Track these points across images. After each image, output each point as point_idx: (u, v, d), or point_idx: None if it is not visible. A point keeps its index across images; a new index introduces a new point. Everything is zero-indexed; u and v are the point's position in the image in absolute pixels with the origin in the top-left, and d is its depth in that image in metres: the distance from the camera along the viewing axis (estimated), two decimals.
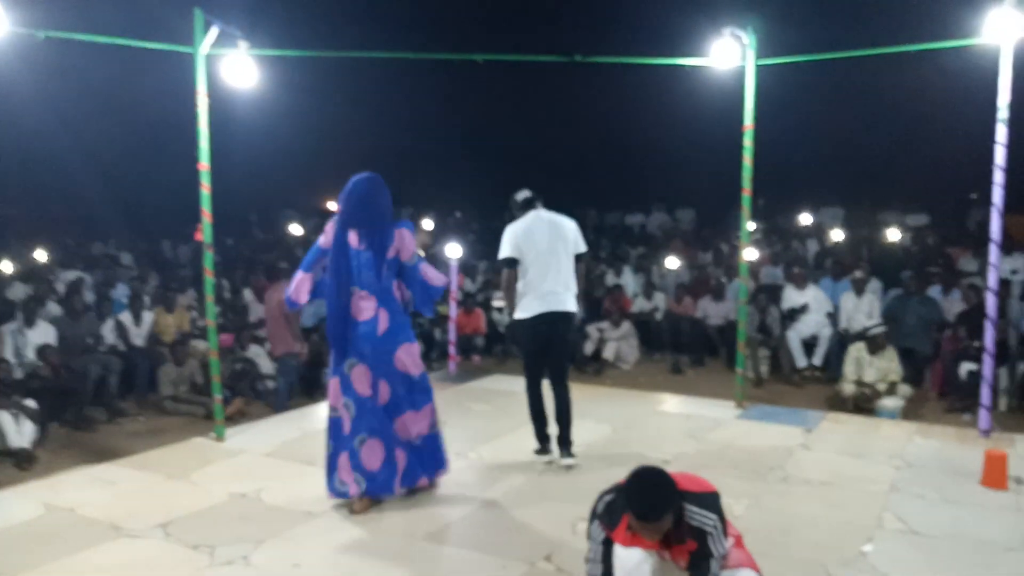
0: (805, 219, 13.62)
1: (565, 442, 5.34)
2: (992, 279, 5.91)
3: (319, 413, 6.99)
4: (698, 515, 2.75)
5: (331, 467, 4.68)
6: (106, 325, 8.48)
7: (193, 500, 4.74)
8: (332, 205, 20.47)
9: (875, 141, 15.20)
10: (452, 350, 8.72)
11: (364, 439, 4.58)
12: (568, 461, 5.30)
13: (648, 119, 16.93)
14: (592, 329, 10.16)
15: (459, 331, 9.57)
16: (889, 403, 7.47)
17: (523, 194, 5.47)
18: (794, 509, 4.52)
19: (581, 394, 5.77)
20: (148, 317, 8.71)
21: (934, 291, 9.50)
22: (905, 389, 7.72)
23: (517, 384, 8.13)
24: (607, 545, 2.87)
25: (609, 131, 17.48)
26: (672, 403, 7.16)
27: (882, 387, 7.64)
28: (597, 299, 11.12)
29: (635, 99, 16.74)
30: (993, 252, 5.89)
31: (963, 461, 5.33)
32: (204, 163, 5.75)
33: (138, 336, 8.61)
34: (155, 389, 8.28)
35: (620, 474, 5.06)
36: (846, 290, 10.00)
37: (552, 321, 5.26)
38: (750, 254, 11.50)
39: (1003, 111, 5.71)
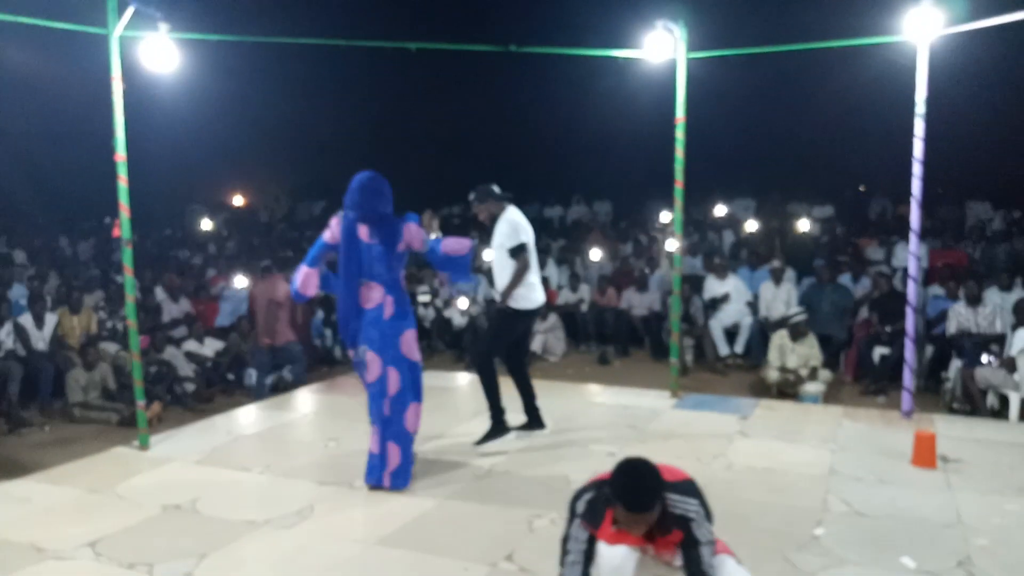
0: (720, 210, 13.97)
1: (538, 414, 5.72)
2: (912, 267, 6.16)
3: (245, 417, 6.71)
4: (680, 503, 2.72)
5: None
6: (2, 329, 7.88)
7: (122, 515, 4.43)
8: (237, 200, 19.77)
9: (785, 135, 15.74)
10: None
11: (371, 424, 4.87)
12: (547, 429, 5.76)
13: (566, 112, 17.03)
14: None
15: None
16: (811, 388, 7.74)
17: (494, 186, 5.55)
18: (742, 496, 4.59)
19: (514, 388, 5.72)
20: (51, 319, 8.15)
21: (844, 279, 9.90)
22: (825, 374, 8.01)
23: (447, 380, 8.08)
24: (590, 544, 2.81)
25: (526, 123, 17.48)
26: (607, 394, 7.19)
27: (804, 372, 7.91)
28: None
29: (553, 92, 16.83)
30: (913, 241, 6.14)
31: (891, 442, 5.54)
32: (120, 153, 5.39)
33: (40, 340, 8.04)
34: (61, 396, 7.78)
35: (566, 468, 5.09)
36: (764, 279, 10.30)
37: (538, 312, 5.61)
38: (673, 245, 11.76)
39: (920, 106, 5.95)
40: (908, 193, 13.93)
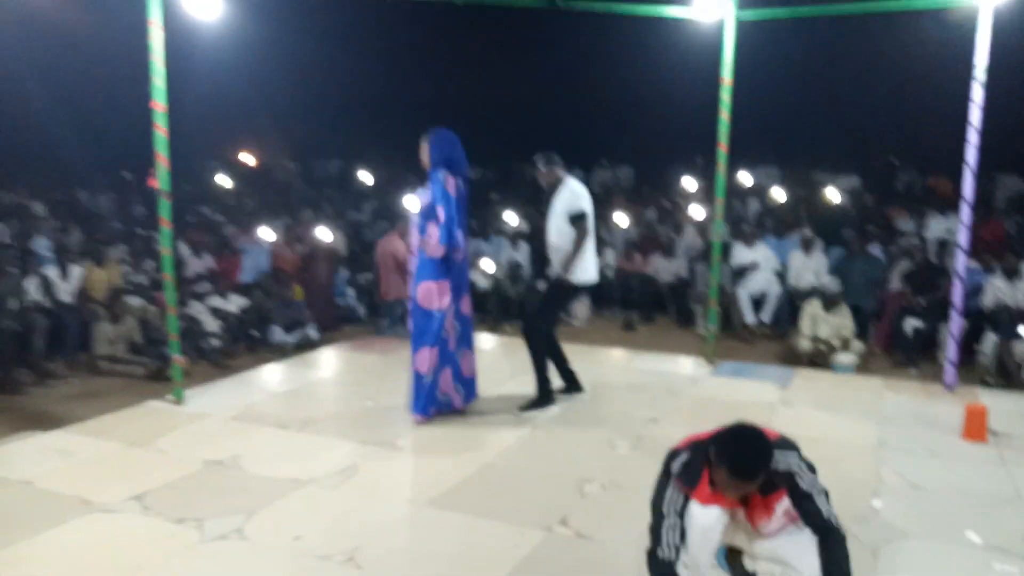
0: (744, 178, 13.75)
1: (574, 376, 5.79)
2: (963, 238, 6.02)
3: (274, 374, 6.65)
4: (781, 458, 2.65)
5: (430, 387, 5.19)
6: (29, 281, 7.78)
7: (164, 469, 4.37)
8: (247, 158, 19.55)
9: (811, 102, 15.44)
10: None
11: (464, 352, 5.39)
12: (586, 393, 5.84)
13: (588, 76, 16.70)
14: (544, 286, 10.02)
15: None
16: (844, 359, 7.64)
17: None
18: None
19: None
20: (76, 272, 8.05)
21: (873, 249, 9.76)
22: (858, 345, 7.90)
23: (482, 342, 8.05)
24: (685, 504, 2.74)
25: (548, 87, 17.15)
26: (643, 360, 7.11)
27: (836, 343, 7.81)
28: (547, 255, 10.96)
29: (575, 56, 16.48)
30: (965, 211, 6.00)
31: (937, 415, 5.47)
32: (159, 102, 5.24)
33: (66, 292, 7.95)
34: (86, 348, 7.72)
35: (609, 434, 5.02)
36: (790, 248, 10.17)
37: (593, 286, 5.71)
38: (698, 211, 11.60)
39: (980, 72, 5.76)
40: (938, 164, 13.66)
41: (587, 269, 5.43)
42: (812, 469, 2.73)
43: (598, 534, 3.67)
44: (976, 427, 4.95)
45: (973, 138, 5.84)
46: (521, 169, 16.93)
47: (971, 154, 5.87)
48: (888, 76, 14.52)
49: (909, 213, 10.96)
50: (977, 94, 5.78)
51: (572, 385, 5.75)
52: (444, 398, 5.31)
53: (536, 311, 5.72)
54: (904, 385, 6.34)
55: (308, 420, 5.25)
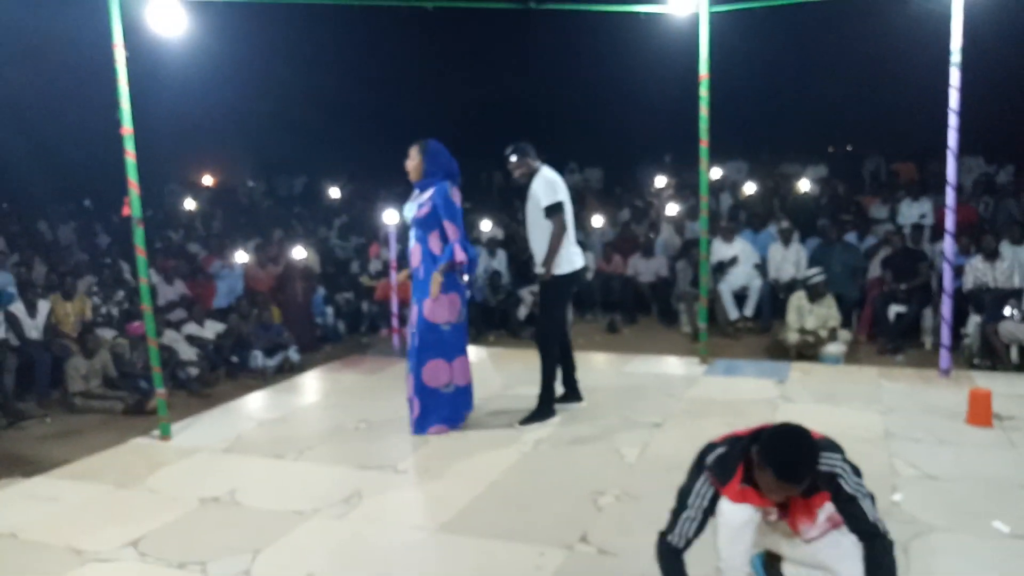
0: (715, 173, 13.80)
1: (577, 387, 5.68)
2: (949, 222, 6.02)
3: (260, 402, 6.44)
4: (826, 459, 2.56)
5: (452, 399, 5.20)
6: None
7: (159, 511, 4.16)
8: (207, 179, 19.17)
9: (771, 94, 15.58)
10: (395, 322, 8.24)
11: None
12: (584, 403, 5.67)
13: (554, 78, 16.68)
14: (525, 293, 9.91)
15: (384, 299, 9.17)
16: (832, 349, 7.63)
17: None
18: None
19: (531, 360, 5.55)
20: (43, 306, 7.74)
21: (850, 238, 9.80)
22: (845, 334, 7.91)
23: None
24: (712, 502, 2.65)
25: (513, 92, 17.09)
26: (635, 363, 7.01)
27: (823, 333, 7.80)
28: (525, 262, 10.86)
29: (538, 60, 16.45)
30: (949, 195, 6.00)
31: (937, 401, 5.45)
32: (127, 127, 5.03)
33: (33, 328, 7.65)
34: (57, 386, 7.43)
35: (615, 442, 4.90)
36: (768, 241, 10.18)
37: (583, 273, 5.55)
38: (673, 209, 11.58)
39: (955, 55, 5.77)
40: (901, 151, 13.76)
41: (571, 259, 5.23)
42: (857, 471, 2.64)
43: (621, 549, 3.55)
44: (981, 412, 4.93)
45: (953, 121, 5.85)
46: (489, 176, 16.85)
47: (952, 138, 5.88)
48: (852, 65, 14.71)
49: (882, 200, 11.04)
50: (954, 77, 5.79)
51: (572, 395, 5.62)
52: (467, 409, 5.37)
53: (540, 318, 5.56)
54: (898, 372, 6.33)
55: (302, 448, 5.06)
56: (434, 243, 5.06)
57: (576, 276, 5.35)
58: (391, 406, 5.86)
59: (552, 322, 5.39)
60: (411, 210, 5.15)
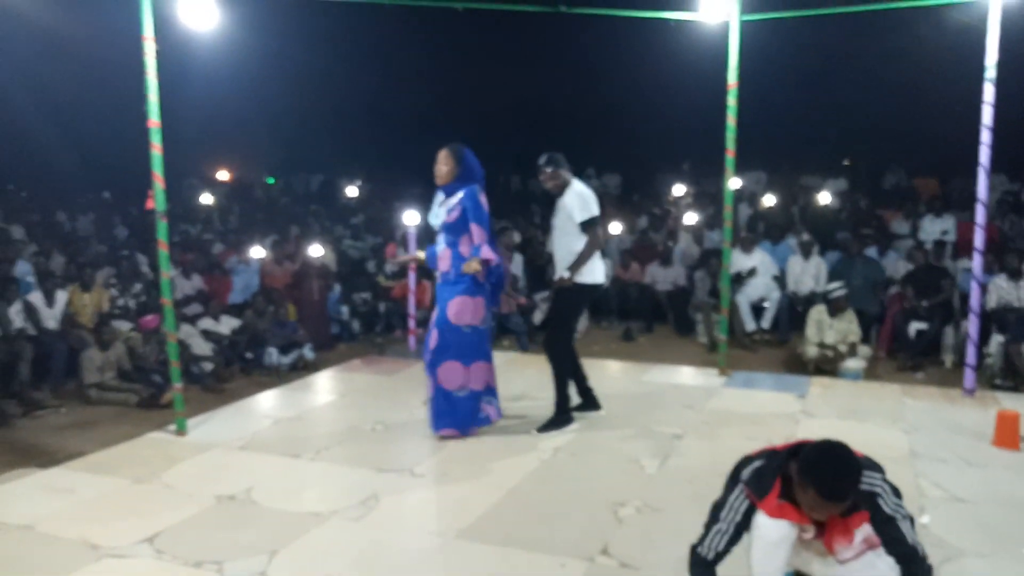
0: (734, 183, 13.70)
1: (593, 394, 5.61)
2: (979, 239, 5.93)
3: (276, 400, 6.41)
4: (867, 478, 2.50)
5: (469, 404, 5.17)
6: (12, 307, 7.48)
7: (175, 507, 4.13)
8: (224, 174, 19.18)
9: (795, 106, 15.46)
10: (411, 323, 8.20)
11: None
12: (603, 411, 5.61)
13: (574, 82, 16.61)
14: (540, 299, 9.87)
15: (401, 298, 9.15)
16: (852, 364, 7.55)
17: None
18: None
19: (546, 365, 5.48)
20: (61, 297, 7.76)
21: (870, 252, 9.71)
22: (864, 350, 7.83)
23: None
24: (746, 516, 2.59)
25: (533, 92, 17.03)
26: (654, 373, 6.95)
27: (843, 348, 7.71)
28: (540, 267, 10.82)
29: (560, 61, 16.38)
30: (980, 212, 5.90)
31: (962, 421, 5.36)
32: (154, 119, 5.01)
33: (51, 318, 7.66)
34: (72, 376, 7.44)
35: (634, 451, 4.83)
36: (786, 253, 10.10)
37: (602, 287, 5.47)
38: (691, 218, 11.50)
39: (991, 70, 5.69)
40: (923, 165, 13.56)
41: (594, 271, 5.25)
42: (896, 492, 2.58)
43: (643, 563, 3.49)
44: (1009, 434, 4.84)
45: (986, 138, 5.76)
46: (506, 179, 16.81)
47: (984, 154, 5.78)
48: (877, 78, 14.58)
49: (904, 215, 10.94)
50: (988, 93, 5.71)
51: (589, 403, 5.57)
52: (483, 415, 5.30)
53: (552, 324, 5.50)
54: (922, 391, 6.24)
55: (319, 448, 5.03)
56: (464, 247, 5.06)
57: (595, 289, 5.35)
58: (407, 408, 5.83)
59: (563, 331, 5.38)
60: (439, 215, 5.14)
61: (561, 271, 5.21)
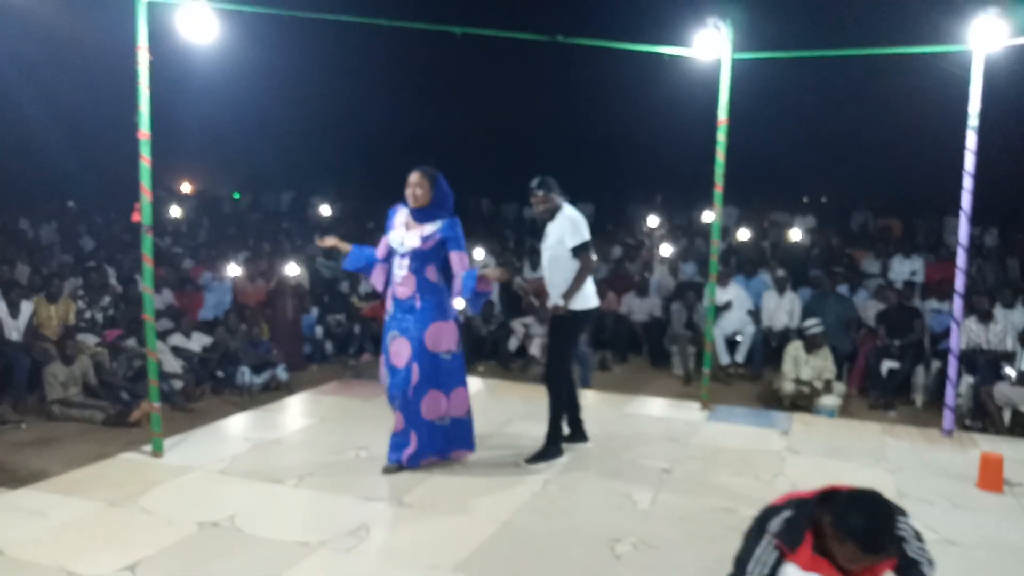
0: (708, 217, 13.87)
1: (582, 426, 5.52)
2: (959, 283, 6.04)
3: (253, 421, 6.23)
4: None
5: (449, 431, 5.07)
6: None
7: (155, 533, 3.96)
8: (185, 187, 18.87)
9: (763, 142, 15.74)
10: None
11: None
12: (589, 444, 5.53)
13: (548, 110, 16.71)
14: (517, 325, 9.82)
15: (374, 317, 9.03)
16: (828, 401, 7.62)
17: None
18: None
19: (530, 394, 5.44)
20: (26, 308, 7.49)
21: (841, 290, 9.86)
22: (840, 387, 7.91)
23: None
24: (775, 568, 2.54)
25: (509, 120, 17.10)
26: (635, 405, 6.92)
27: (819, 385, 7.79)
28: (517, 293, 10.76)
29: (535, 88, 16.47)
30: (961, 256, 6.03)
31: (945, 462, 5.42)
32: (144, 131, 4.88)
33: (13, 330, 7.39)
34: (34, 391, 7.17)
35: (626, 486, 4.77)
36: (759, 288, 10.21)
37: (595, 313, 5.38)
38: (667, 250, 11.59)
39: (973, 118, 5.84)
40: (890, 205, 13.79)
41: (588, 297, 5.18)
42: (919, 536, 2.56)
43: None
44: (992, 477, 4.90)
45: (968, 184, 5.89)
46: (477, 202, 16.78)
47: (966, 200, 5.91)
48: (848, 120, 14.93)
49: (874, 254, 11.15)
50: (971, 141, 5.85)
51: (577, 434, 5.50)
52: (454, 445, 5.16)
53: (551, 354, 5.34)
54: (901, 430, 6.30)
55: (302, 474, 4.88)
56: (431, 273, 4.90)
57: (590, 315, 5.28)
58: (387, 432, 5.70)
59: (562, 361, 5.26)
60: (409, 239, 4.87)
61: (555, 299, 5.13)
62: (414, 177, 4.87)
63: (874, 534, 2.36)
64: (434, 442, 5.00)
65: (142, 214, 4.97)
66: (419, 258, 4.85)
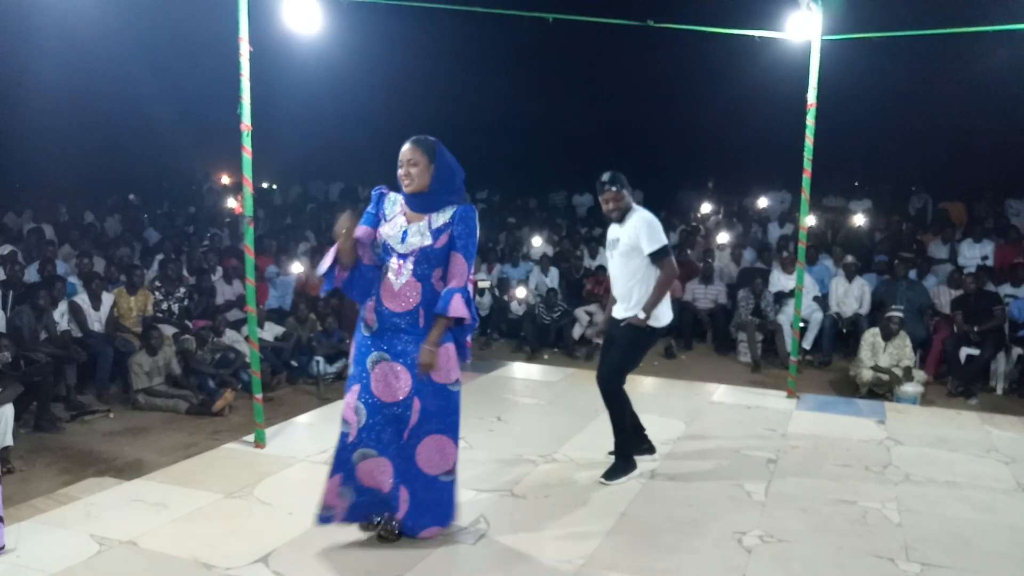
0: (762, 203, 13.70)
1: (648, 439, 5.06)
2: None
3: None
4: None
5: (454, 492, 3.92)
6: (57, 309, 7.27)
7: (278, 525, 3.96)
8: (226, 178, 18.94)
9: (822, 126, 15.49)
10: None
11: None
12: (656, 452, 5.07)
13: (591, 96, 16.55)
14: (581, 312, 9.78)
15: None
16: (909, 389, 7.48)
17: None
18: (947, 513, 4.27)
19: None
20: (107, 299, 7.56)
21: (910, 276, 9.66)
22: (920, 375, 7.76)
23: (537, 372, 7.76)
24: None
25: (556, 109, 16.96)
26: (722, 393, 6.84)
27: (897, 372, 7.65)
28: (578, 281, 10.73)
29: (581, 76, 16.32)
30: None
31: None
32: (246, 123, 4.87)
33: (96, 321, 7.47)
34: (116, 380, 7.26)
35: (735, 476, 4.67)
36: (822, 274, 10.06)
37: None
38: (724, 237, 11.46)
39: None
40: (950, 188, 13.46)
41: (666, 311, 4.67)
42: None
43: None
44: None
45: None
46: (534, 191, 16.69)
47: None
48: (909, 101, 14.63)
49: (942, 239, 10.92)
50: None
51: (645, 446, 5.05)
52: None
53: (614, 363, 4.71)
54: (1001, 419, 6.16)
55: None
56: (437, 282, 3.68)
57: (663, 332, 4.82)
58: (494, 416, 5.71)
59: (623, 372, 4.74)
60: (414, 235, 3.64)
61: (630, 308, 4.61)
62: (406, 151, 3.63)
63: None
64: (437, 505, 3.82)
65: (244, 206, 4.95)
66: (427, 260, 3.63)
